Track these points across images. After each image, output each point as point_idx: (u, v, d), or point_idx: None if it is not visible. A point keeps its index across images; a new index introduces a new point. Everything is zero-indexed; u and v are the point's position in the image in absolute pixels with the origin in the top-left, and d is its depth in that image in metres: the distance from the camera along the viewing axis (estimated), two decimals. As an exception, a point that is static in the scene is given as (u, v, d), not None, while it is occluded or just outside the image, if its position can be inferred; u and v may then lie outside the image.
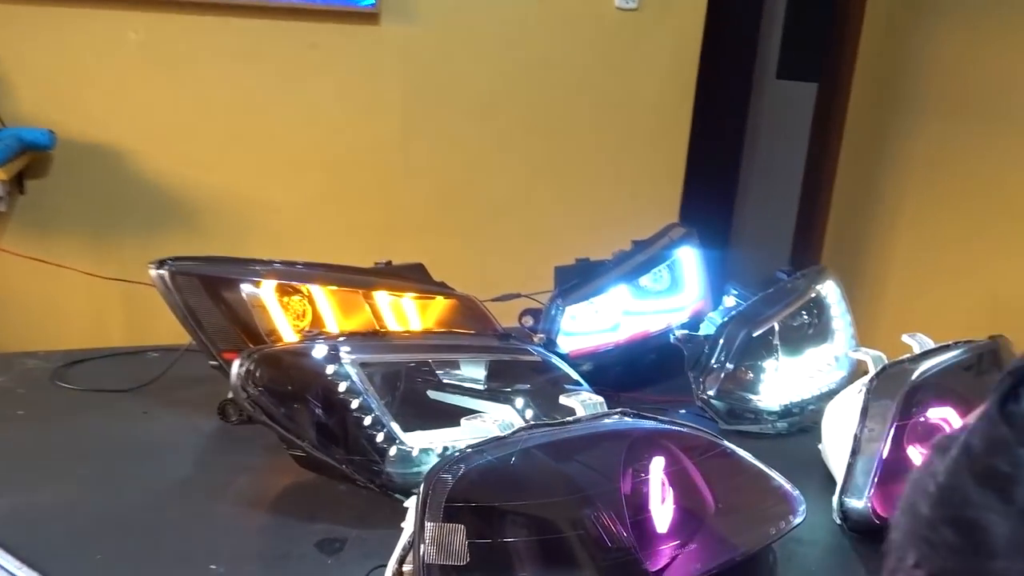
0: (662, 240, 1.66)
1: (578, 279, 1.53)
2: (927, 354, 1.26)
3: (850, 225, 3.40)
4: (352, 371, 1.07)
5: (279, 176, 2.40)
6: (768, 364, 1.40)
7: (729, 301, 1.61)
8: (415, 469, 1.08)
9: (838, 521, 1.11)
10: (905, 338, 1.34)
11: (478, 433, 0.92)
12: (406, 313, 1.50)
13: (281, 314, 1.35)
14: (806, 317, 1.51)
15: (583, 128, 2.70)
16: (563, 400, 1.05)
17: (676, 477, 0.96)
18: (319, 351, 1.08)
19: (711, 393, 1.35)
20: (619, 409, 1.03)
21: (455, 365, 1.18)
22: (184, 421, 1.33)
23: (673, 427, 1.02)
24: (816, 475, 1.25)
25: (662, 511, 0.94)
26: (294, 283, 1.37)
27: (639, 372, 1.57)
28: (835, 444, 1.22)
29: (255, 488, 1.17)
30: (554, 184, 2.68)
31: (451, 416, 1.17)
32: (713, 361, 1.37)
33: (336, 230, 2.46)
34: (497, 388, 1.20)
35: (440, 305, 1.52)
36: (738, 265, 3.50)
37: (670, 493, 0.95)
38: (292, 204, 2.42)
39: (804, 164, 3.73)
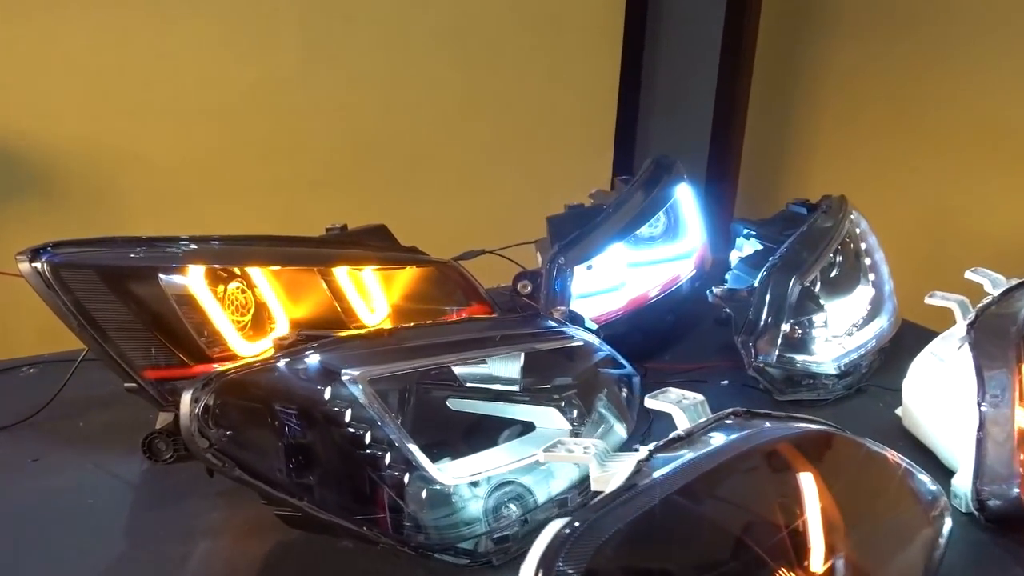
0: (657, 177, 1.40)
1: (576, 231, 1.25)
2: (1011, 293, 1.08)
3: (765, 149, 3.25)
4: (358, 391, 0.76)
5: (154, 127, 1.95)
6: (817, 318, 1.18)
7: (746, 246, 1.38)
8: (454, 516, 0.79)
9: (967, 510, 0.91)
10: (969, 274, 1.15)
11: (556, 460, 0.65)
12: (371, 291, 1.18)
13: (218, 310, 1.00)
14: (838, 257, 1.30)
15: (513, 57, 2.38)
16: (651, 404, 0.78)
17: (833, 497, 0.72)
18: (309, 368, 0.76)
19: (769, 360, 1.12)
20: (730, 410, 0.78)
21: (479, 361, 0.89)
22: (96, 467, 0.97)
23: (814, 426, 0.77)
24: (904, 451, 1.05)
25: (826, 546, 0.70)
26: (230, 266, 1.02)
27: (659, 337, 1.32)
28: (931, 412, 1.03)
29: (221, 559, 0.84)
30: (486, 121, 2.35)
31: (481, 431, 0.89)
32: (763, 321, 1.13)
33: (231, 190, 2.05)
34: (534, 386, 0.92)
35: (412, 276, 1.20)
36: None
37: (832, 520, 0.71)
38: (174, 161, 1.98)
39: (716, 88, 3.55)
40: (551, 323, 0.96)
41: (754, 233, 1.34)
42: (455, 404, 0.89)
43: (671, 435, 0.73)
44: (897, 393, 1.18)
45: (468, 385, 0.89)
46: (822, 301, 1.21)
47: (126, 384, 0.94)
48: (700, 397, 0.80)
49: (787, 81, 3.09)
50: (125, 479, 0.95)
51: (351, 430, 0.75)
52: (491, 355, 0.87)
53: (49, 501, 0.91)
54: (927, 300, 1.11)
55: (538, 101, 2.43)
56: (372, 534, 0.75)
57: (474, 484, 0.80)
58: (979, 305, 1.07)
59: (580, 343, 0.96)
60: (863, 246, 1.33)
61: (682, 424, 0.77)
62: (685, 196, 1.43)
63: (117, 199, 1.94)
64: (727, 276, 1.32)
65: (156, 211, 1.97)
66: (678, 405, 0.78)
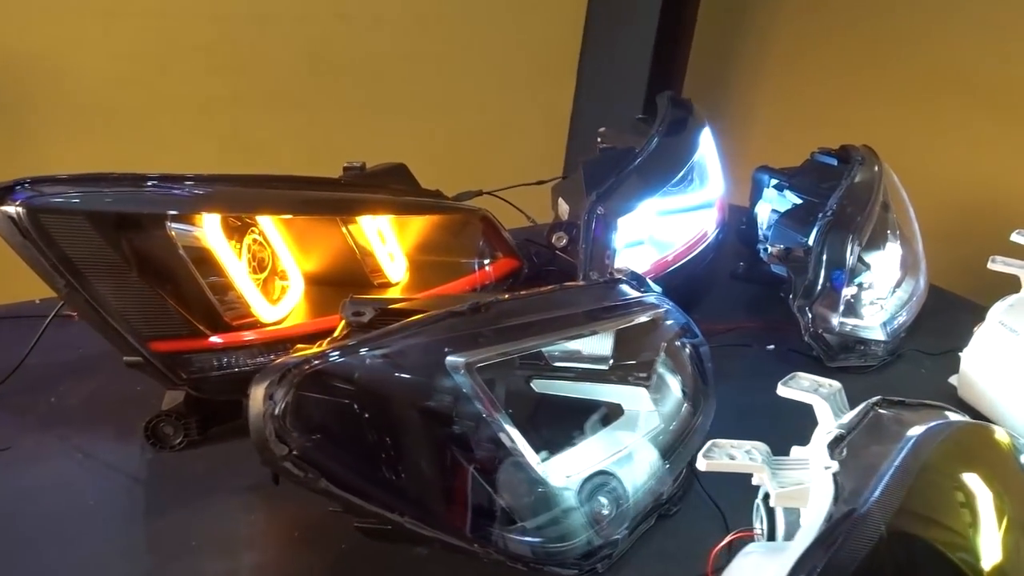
0: (682, 120, 1.29)
1: (611, 177, 1.12)
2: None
3: (713, 62, 3.08)
4: (464, 381, 0.63)
5: (81, 29, 1.64)
6: (865, 279, 1.12)
7: (775, 198, 1.30)
8: (563, 521, 0.68)
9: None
10: (1015, 236, 1.12)
11: (718, 468, 0.56)
12: (388, 240, 1.03)
13: (240, 266, 0.82)
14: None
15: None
16: (787, 392, 0.69)
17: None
18: (406, 354, 0.62)
19: (833, 323, 1.04)
20: (875, 400, 0.69)
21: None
22: (85, 457, 0.80)
23: (957, 416, 0.70)
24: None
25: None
26: (253, 213, 0.84)
27: (688, 295, 1.23)
28: (999, 384, 0.99)
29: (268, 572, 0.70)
30: (443, 37, 2.13)
31: (569, 416, 0.78)
32: (820, 284, 1.06)
33: (170, 105, 1.77)
34: (619, 362, 0.81)
35: (434, 224, 1.05)
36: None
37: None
38: (102, 70, 1.68)
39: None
40: (628, 290, 0.84)
41: (786, 184, 1.26)
42: (540, 386, 0.76)
43: (830, 432, 0.64)
44: (935, 358, 1.14)
45: (556, 364, 0.77)
46: (866, 261, 1.14)
47: (126, 358, 0.77)
48: (837, 384, 0.72)
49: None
50: (125, 471, 0.79)
51: (457, 428, 0.62)
52: (594, 331, 0.75)
53: (27, 504, 0.73)
54: (990, 265, 1.06)
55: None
56: (483, 551, 0.63)
57: (575, 481, 0.69)
58: (1043, 273, 1.04)
59: (661, 311, 0.85)
60: (898, 201, 1.28)
61: (825, 416, 0.69)
62: (707, 141, 1.32)
63: (32, 114, 1.64)
64: (763, 231, 1.23)
65: (75, 130, 1.69)
66: (817, 394, 0.69)
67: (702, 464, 0.59)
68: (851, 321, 1.09)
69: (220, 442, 0.81)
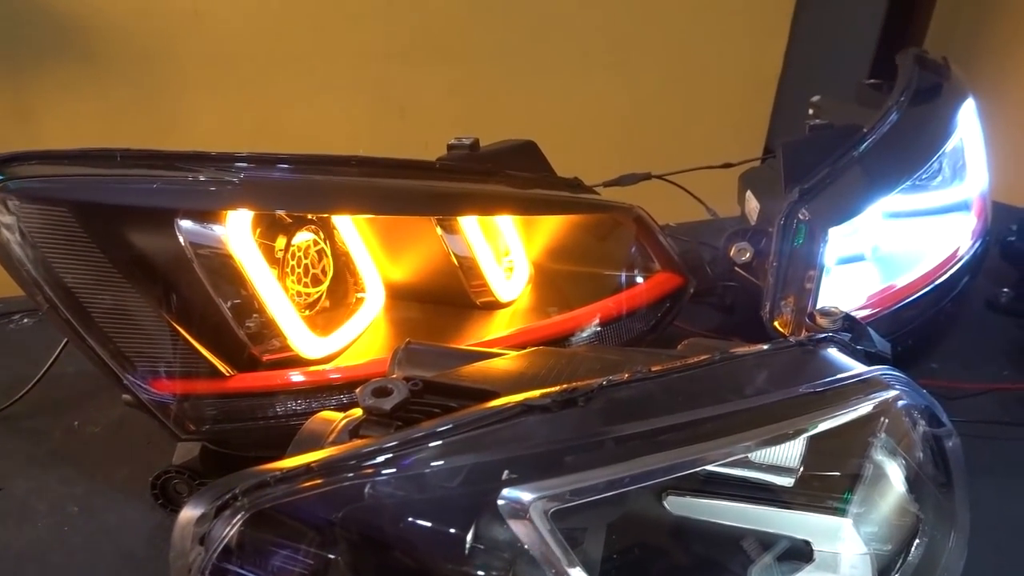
0: (933, 88, 0.92)
1: (824, 166, 0.80)
2: None
3: (968, 7, 2.45)
4: (531, 532, 0.37)
5: None
6: None
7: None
8: None
9: None
10: None
11: None
12: (506, 242, 0.78)
13: (273, 281, 0.61)
14: None
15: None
16: None
17: None
18: (429, 479, 0.37)
19: None
20: None
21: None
22: (82, 513, 0.62)
23: None
24: None
25: None
26: (303, 212, 0.63)
27: (926, 334, 0.89)
28: None
29: None
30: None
31: (713, 553, 0.50)
32: None
33: (308, 58, 1.61)
34: (807, 474, 0.51)
35: (571, 224, 0.79)
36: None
37: None
38: (238, 19, 1.55)
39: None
40: (841, 359, 0.54)
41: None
42: (677, 506, 0.49)
43: None
44: None
45: (705, 475, 0.49)
46: None
47: (124, 396, 0.58)
48: None
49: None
50: (122, 539, 0.60)
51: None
52: (769, 441, 0.46)
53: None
54: None
55: None
56: None
57: None
58: None
59: (889, 397, 0.54)
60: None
61: None
62: (969, 119, 0.95)
63: (170, 63, 1.55)
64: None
65: (215, 81, 1.58)
66: None
67: None
68: None
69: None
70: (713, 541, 0.50)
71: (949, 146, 0.88)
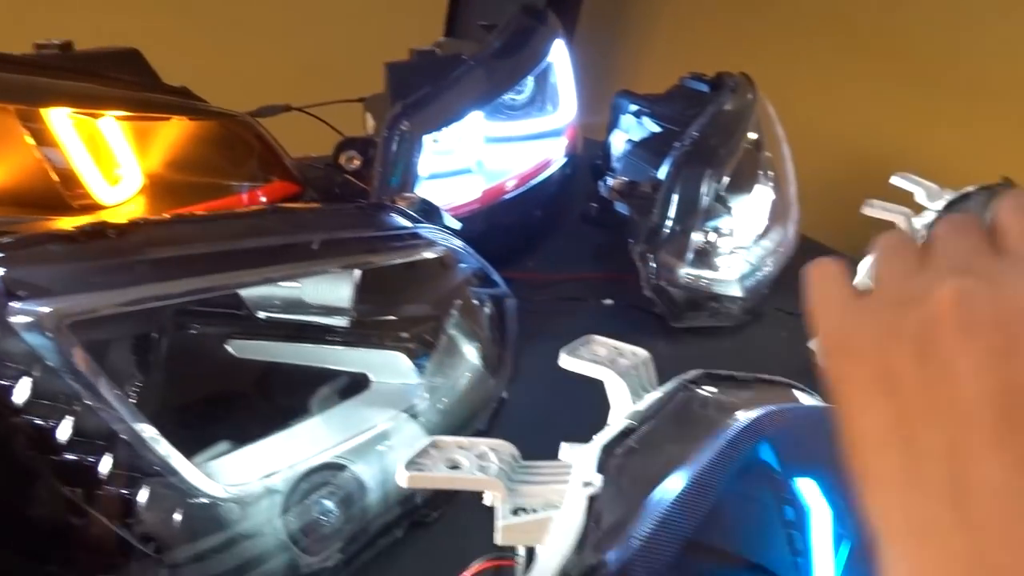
0: (528, 28, 1.07)
1: (426, 86, 0.90)
2: (955, 206, 0.89)
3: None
4: (44, 343, 0.40)
5: None
6: (724, 225, 0.94)
7: (633, 126, 1.10)
8: (236, 545, 0.47)
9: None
10: (896, 180, 0.96)
11: (423, 485, 0.36)
12: (115, 151, 0.78)
13: None
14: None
15: None
16: (569, 363, 0.50)
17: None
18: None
19: (681, 274, 0.86)
20: (690, 376, 0.51)
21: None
22: None
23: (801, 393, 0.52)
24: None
25: None
26: None
27: (522, 238, 1.03)
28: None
29: None
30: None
31: (283, 391, 0.56)
32: (668, 227, 0.87)
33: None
34: (369, 317, 0.59)
35: (183, 134, 0.81)
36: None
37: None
38: None
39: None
40: (399, 219, 0.63)
41: (647, 111, 1.06)
42: (240, 349, 0.54)
43: (617, 426, 0.44)
44: (801, 319, 0.98)
45: (264, 318, 0.55)
46: (729, 204, 0.96)
47: None
48: (643, 354, 0.52)
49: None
50: None
51: (30, 417, 0.40)
52: (308, 273, 0.53)
53: None
54: (864, 210, 0.90)
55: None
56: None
57: (273, 487, 0.48)
58: (924, 222, 0.88)
59: (442, 251, 0.64)
60: (766, 138, 1.10)
61: (620, 399, 0.49)
62: (560, 56, 1.11)
63: None
64: (613, 163, 1.04)
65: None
66: (612, 367, 0.50)
67: (403, 478, 0.38)
68: (703, 273, 0.91)
69: None
70: (281, 381, 0.56)
71: (536, 72, 1.03)
